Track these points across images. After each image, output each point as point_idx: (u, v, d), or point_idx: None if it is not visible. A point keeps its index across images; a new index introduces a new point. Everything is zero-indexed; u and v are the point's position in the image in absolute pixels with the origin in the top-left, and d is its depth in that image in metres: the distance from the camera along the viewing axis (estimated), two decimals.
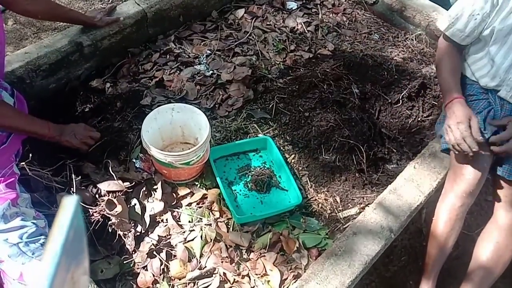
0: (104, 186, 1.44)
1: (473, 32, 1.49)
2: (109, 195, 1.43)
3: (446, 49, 1.59)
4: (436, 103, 1.96)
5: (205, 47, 2.07)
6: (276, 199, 1.57)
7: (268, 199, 1.56)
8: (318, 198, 1.59)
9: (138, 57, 1.99)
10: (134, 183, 1.49)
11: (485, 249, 1.49)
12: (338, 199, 1.60)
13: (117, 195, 1.43)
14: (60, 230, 0.40)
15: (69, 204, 0.42)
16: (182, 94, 1.84)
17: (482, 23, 1.46)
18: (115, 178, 1.45)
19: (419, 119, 1.93)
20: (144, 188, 1.49)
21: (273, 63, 2.04)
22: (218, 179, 1.51)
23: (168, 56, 2.00)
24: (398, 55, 2.19)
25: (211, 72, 1.95)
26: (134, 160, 1.55)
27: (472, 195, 1.45)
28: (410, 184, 1.51)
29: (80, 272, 0.47)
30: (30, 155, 1.40)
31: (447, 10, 2.23)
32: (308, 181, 1.64)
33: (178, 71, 1.94)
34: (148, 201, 1.47)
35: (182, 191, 1.51)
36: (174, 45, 2.06)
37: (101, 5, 2.72)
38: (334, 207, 1.57)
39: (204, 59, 2.00)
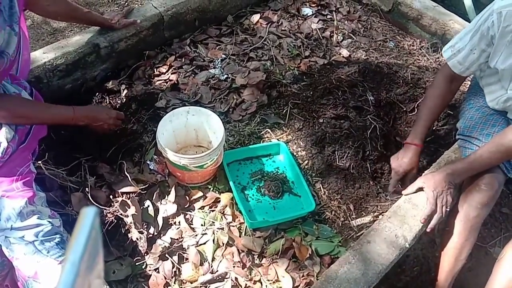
0: (118, 187, 1.45)
1: (472, 65, 1.48)
2: (123, 196, 1.44)
3: (443, 81, 1.57)
4: (451, 113, 1.94)
5: (220, 51, 2.07)
6: (289, 205, 1.56)
7: (281, 205, 1.56)
8: (331, 205, 1.58)
9: (154, 59, 2.01)
10: (148, 185, 1.49)
11: (507, 267, 1.46)
12: (351, 206, 1.58)
13: (130, 196, 1.44)
14: (79, 242, 0.41)
15: (87, 216, 0.43)
16: (197, 97, 1.84)
17: (480, 58, 1.46)
18: (129, 180, 1.45)
19: (434, 128, 1.91)
20: (158, 190, 1.49)
21: (287, 68, 2.04)
22: (231, 183, 1.51)
23: (183, 60, 2.01)
24: (414, 63, 2.18)
25: (225, 76, 1.95)
26: (148, 162, 1.55)
27: (487, 206, 1.42)
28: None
29: (94, 275, 0.47)
30: (46, 154, 1.42)
31: (464, 20, 2.23)
32: (321, 187, 1.63)
33: (193, 75, 1.95)
34: (161, 203, 1.47)
35: (195, 194, 1.52)
36: (189, 48, 2.07)
37: (117, 8, 2.75)
38: (348, 214, 1.56)
39: (219, 63, 2.01)
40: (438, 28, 2.24)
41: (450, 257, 1.49)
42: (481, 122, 1.54)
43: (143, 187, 1.47)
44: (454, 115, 1.93)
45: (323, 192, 1.62)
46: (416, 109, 1.90)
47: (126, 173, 1.46)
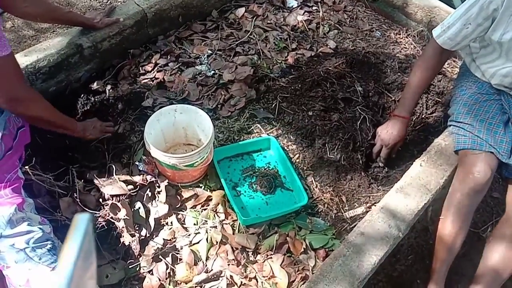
0: (107, 190, 1.43)
1: (464, 39, 1.48)
2: (112, 199, 1.42)
3: (433, 54, 1.57)
4: (440, 100, 1.94)
5: (206, 47, 2.05)
6: (281, 200, 1.55)
7: (274, 200, 1.55)
8: (324, 198, 1.57)
9: (139, 58, 1.97)
10: (137, 186, 1.47)
11: (497, 249, 1.47)
12: (344, 198, 1.58)
13: (120, 198, 1.42)
14: (72, 249, 0.41)
15: (80, 223, 0.43)
16: (184, 95, 1.82)
17: (474, 32, 1.45)
18: (119, 182, 1.43)
19: (423, 116, 1.92)
20: (148, 191, 1.48)
21: (274, 62, 2.02)
22: (222, 180, 1.50)
23: (169, 57, 1.98)
24: (401, 52, 2.17)
25: (212, 72, 1.93)
26: (137, 163, 1.53)
27: (480, 193, 1.44)
28: (417, 182, 1.49)
29: (88, 277, 0.47)
30: (33, 159, 1.39)
31: (450, 6, 2.23)
32: (313, 181, 1.63)
33: (179, 72, 1.92)
34: (152, 204, 1.46)
35: (186, 193, 1.50)
36: (174, 45, 2.04)
37: (100, 7, 2.70)
38: (340, 207, 1.56)
39: (205, 59, 1.99)
40: (424, 16, 2.24)
41: (445, 245, 1.49)
42: (475, 109, 1.54)
43: (133, 188, 1.45)
44: (443, 102, 1.93)
45: (315, 185, 1.61)
46: None
47: (115, 175, 1.44)
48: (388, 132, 1.63)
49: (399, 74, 2.00)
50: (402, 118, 1.62)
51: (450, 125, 1.63)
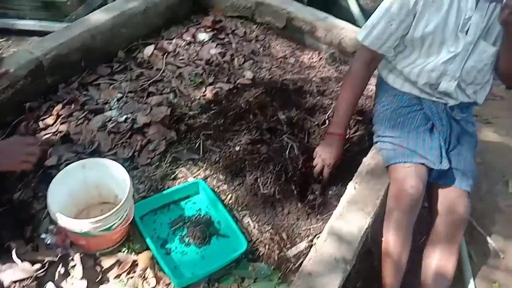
0: (7, 276, 1.19)
1: (390, 38, 1.50)
2: (15, 286, 1.17)
3: (361, 67, 1.59)
4: (361, 118, 1.96)
5: (115, 90, 1.89)
6: (218, 250, 1.42)
7: (210, 252, 1.41)
8: (264, 239, 1.47)
9: (38, 111, 1.76)
10: (46, 264, 1.25)
11: (432, 258, 1.50)
12: (284, 235, 1.49)
13: (26, 283, 1.18)
14: None
15: None
16: (94, 146, 1.64)
17: (398, 29, 1.48)
18: (21, 263, 1.20)
19: (347, 136, 1.91)
20: (60, 268, 1.26)
21: (192, 98, 1.92)
22: (147, 239, 1.33)
23: (72, 106, 1.79)
24: (316, 75, 2.19)
25: (125, 117, 1.77)
26: (44, 235, 1.31)
27: (416, 207, 1.44)
28: (354, 207, 1.45)
29: None
30: None
31: (356, 26, 2.31)
32: (250, 221, 1.52)
33: (87, 121, 1.74)
34: (67, 282, 1.24)
35: (107, 262, 1.31)
36: (78, 92, 1.86)
37: None
38: (282, 245, 1.46)
39: (115, 103, 1.82)
40: (333, 38, 2.29)
41: (391, 265, 1.47)
42: (400, 122, 1.56)
43: (41, 267, 1.23)
44: (364, 120, 1.96)
45: (252, 226, 1.50)
46: (327, 121, 1.89)
47: (15, 255, 1.20)
48: (327, 151, 1.60)
49: (318, 97, 2.01)
50: (338, 135, 1.61)
51: (376, 142, 1.63)
